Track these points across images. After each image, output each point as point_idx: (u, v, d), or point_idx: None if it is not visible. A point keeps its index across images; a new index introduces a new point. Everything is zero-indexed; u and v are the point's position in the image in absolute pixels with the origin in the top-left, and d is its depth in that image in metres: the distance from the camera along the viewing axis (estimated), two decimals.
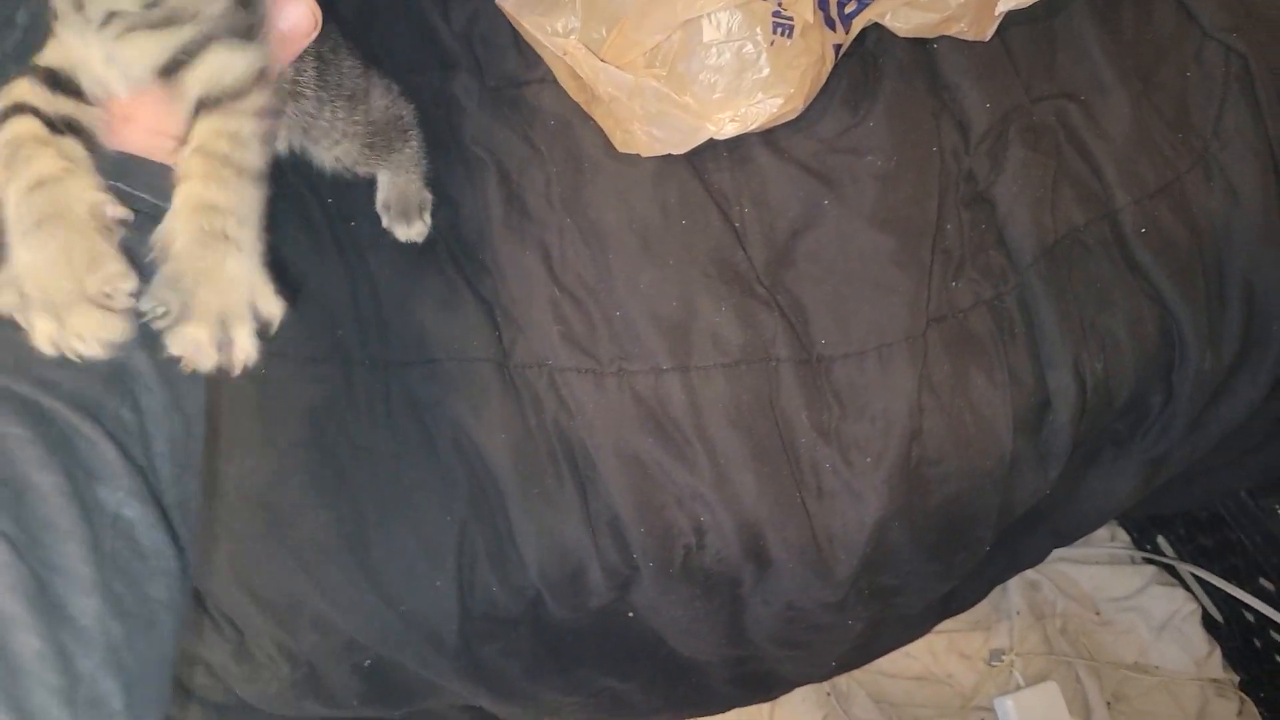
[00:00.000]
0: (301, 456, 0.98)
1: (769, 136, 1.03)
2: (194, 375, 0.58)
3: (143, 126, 0.62)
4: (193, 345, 0.57)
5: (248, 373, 0.58)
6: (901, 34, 1.03)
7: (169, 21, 0.61)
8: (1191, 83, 1.06)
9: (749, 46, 0.92)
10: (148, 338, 0.57)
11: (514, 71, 1.08)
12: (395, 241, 1.02)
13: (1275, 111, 1.03)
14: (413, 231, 1.02)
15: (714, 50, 0.92)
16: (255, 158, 0.62)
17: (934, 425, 0.99)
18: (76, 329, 0.55)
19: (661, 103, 0.94)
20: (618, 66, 0.95)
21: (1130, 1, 1.08)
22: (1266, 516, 1.41)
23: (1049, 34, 1.07)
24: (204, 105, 0.62)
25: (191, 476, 0.59)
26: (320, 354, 1.00)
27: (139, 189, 0.60)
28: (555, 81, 1.06)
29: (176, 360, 0.57)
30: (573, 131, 1.05)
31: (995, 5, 0.99)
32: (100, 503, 0.49)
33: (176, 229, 0.59)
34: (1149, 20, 1.08)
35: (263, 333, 0.60)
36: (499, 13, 1.05)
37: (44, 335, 0.54)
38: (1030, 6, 1.01)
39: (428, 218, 1.02)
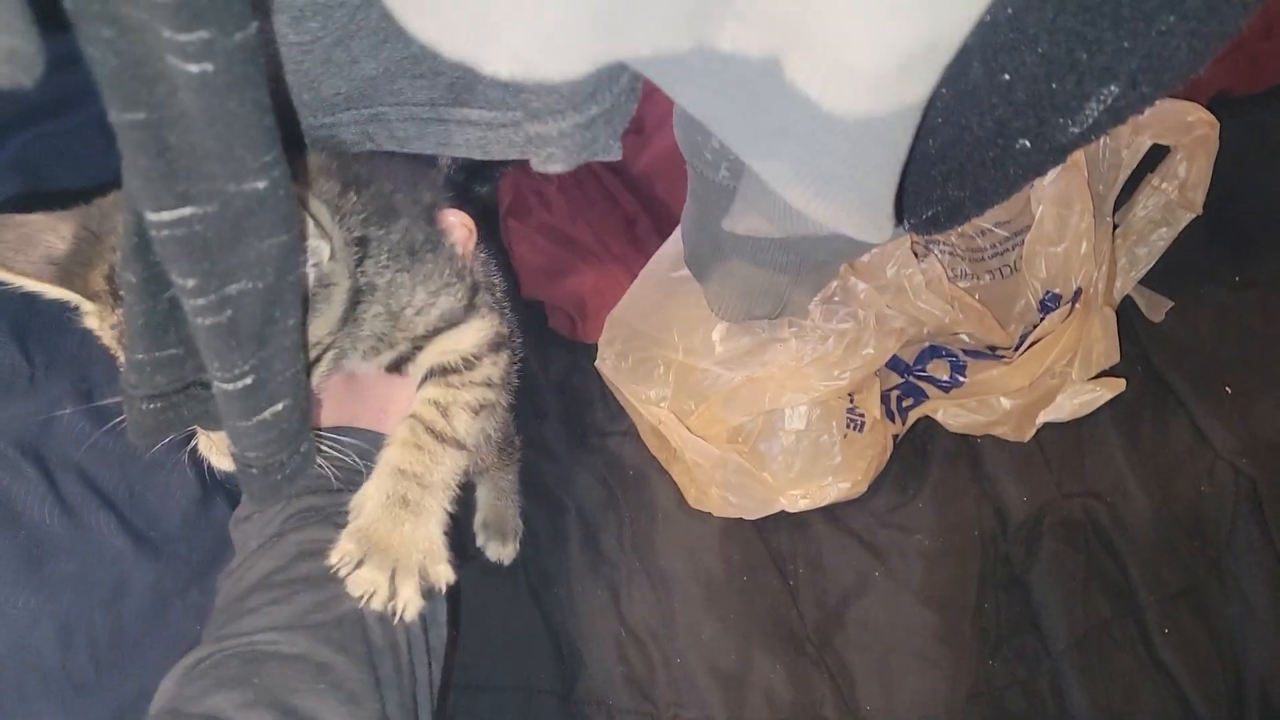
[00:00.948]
0: None
1: (826, 507, 1.14)
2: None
3: (372, 408, 0.71)
4: (367, 586, 0.64)
5: None
6: (950, 429, 1.15)
7: (386, 347, 0.71)
8: (1205, 497, 1.18)
9: (825, 437, 1.04)
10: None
11: (600, 422, 1.20)
12: (480, 567, 1.10)
13: None
14: (504, 553, 1.11)
15: (794, 437, 1.04)
16: (461, 426, 0.70)
17: None
18: None
19: (742, 476, 1.05)
20: (702, 437, 1.06)
21: (1149, 416, 1.22)
22: None
23: (1078, 439, 1.20)
24: (433, 374, 0.71)
25: None
26: None
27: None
28: (637, 435, 1.18)
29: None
30: (649, 483, 1.16)
31: (1036, 415, 1.12)
32: None
33: (370, 492, 0.67)
34: (1166, 436, 1.21)
35: (428, 592, 0.66)
36: (591, 367, 1.18)
37: None
38: None
39: (517, 544, 1.11)
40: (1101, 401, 1.12)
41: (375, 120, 0.76)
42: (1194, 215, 1.21)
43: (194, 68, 0.41)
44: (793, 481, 1.06)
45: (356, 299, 0.67)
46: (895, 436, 1.13)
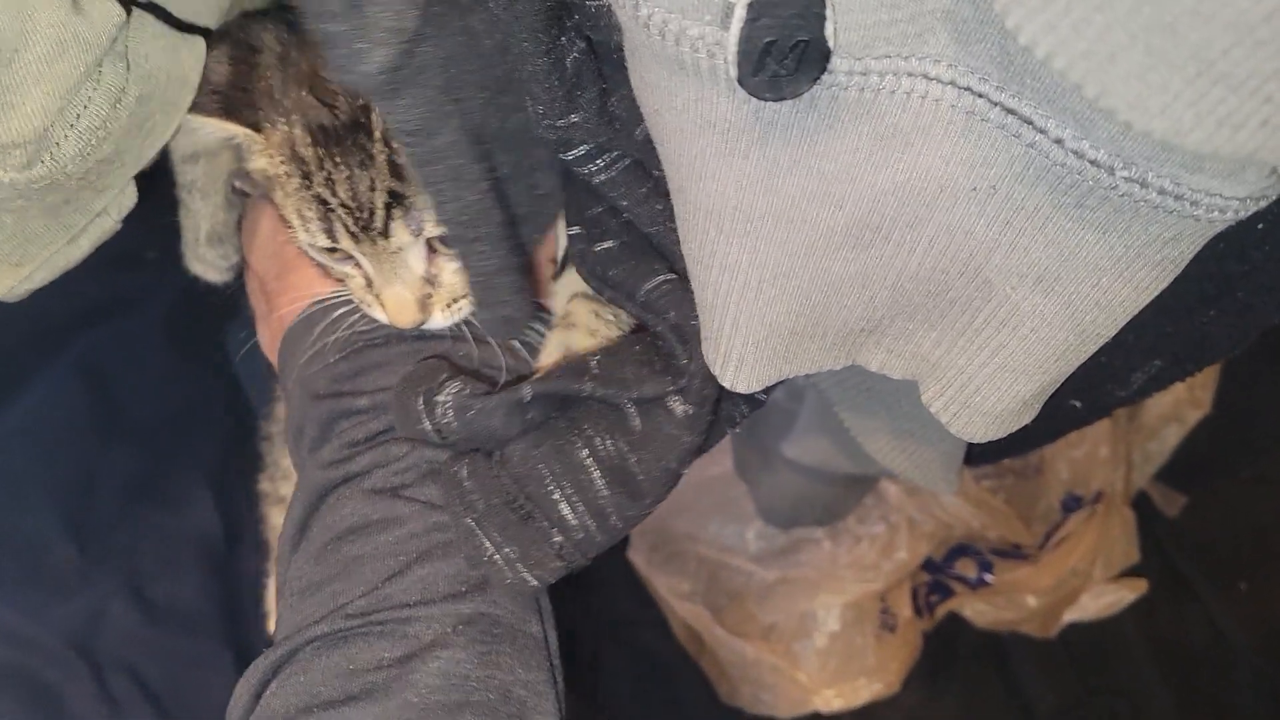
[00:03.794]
0: None
1: None
2: None
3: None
4: None
5: None
6: (979, 626, 1.17)
7: None
8: (1225, 693, 1.19)
9: (859, 639, 1.05)
10: None
11: (629, 611, 1.21)
12: None
13: None
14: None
15: (828, 638, 1.05)
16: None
17: None
18: None
19: (776, 676, 1.06)
20: (735, 634, 1.08)
21: (1168, 612, 1.24)
22: None
23: (1100, 634, 1.22)
24: None
25: None
26: None
27: None
28: (666, 625, 1.19)
29: None
30: (680, 677, 1.17)
31: (1061, 614, 1.15)
32: None
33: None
34: (1184, 632, 1.23)
35: None
36: (621, 556, 1.20)
37: None
38: None
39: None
40: (1125, 604, 1.14)
41: None
42: (1203, 413, 1.25)
43: None
44: (827, 682, 1.07)
45: None
46: (924, 632, 1.14)
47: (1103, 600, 1.14)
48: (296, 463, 0.59)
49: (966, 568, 1.14)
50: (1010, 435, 0.73)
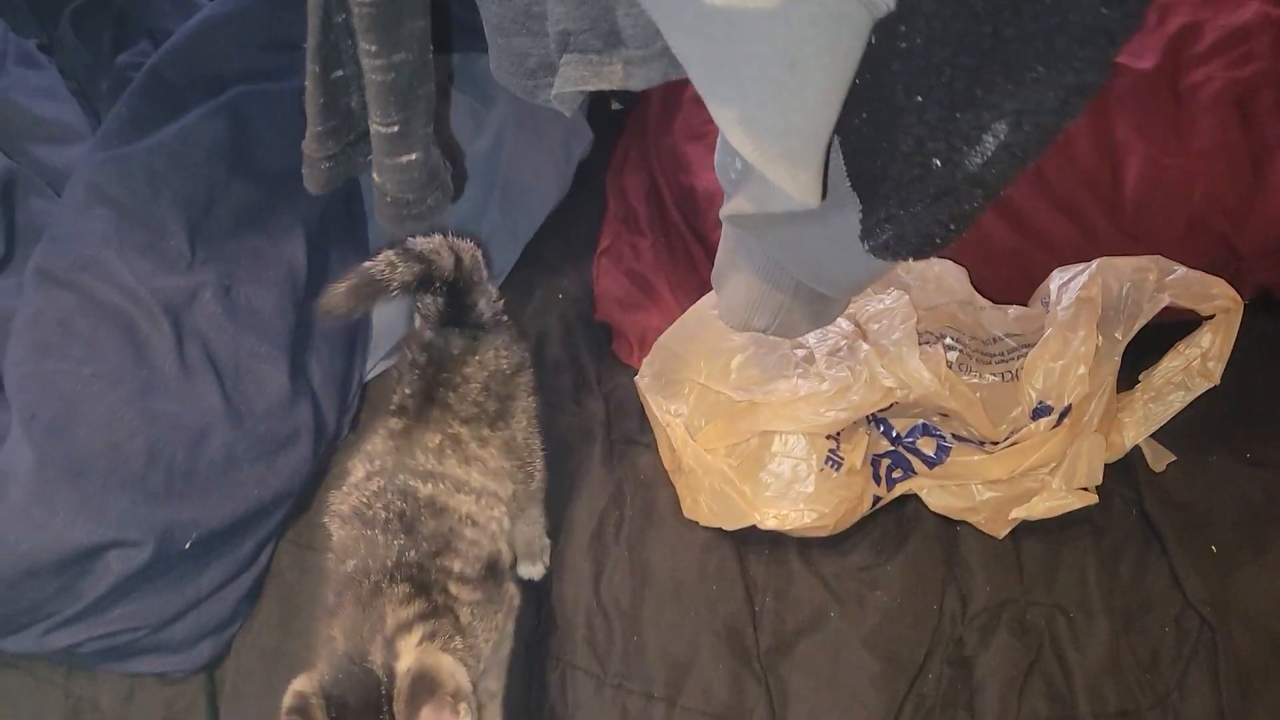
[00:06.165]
0: None
1: (804, 548, 1.26)
2: None
3: None
4: None
5: None
6: (932, 509, 1.27)
7: None
8: (1167, 638, 1.23)
9: (803, 467, 1.17)
10: None
11: (631, 432, 1.37)
12: None
13: (1230, 687, 1.18)
14: (534, 571, 1.24)
15: (777, 459, 1.18)
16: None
17: None
18: None
19: (725, 485, 1.19)
20: (705, 450, 1.22)
21: (1131, 555, 1.29)
22: None
23: (1056, 554, 1.28)
24: None
25: None
26: None
27: None
28: (655, 448, 1.34)
29: None
30: (655, 489, 1.31)
31: (1009, 511, 1.23)
32: None
33: None
34: (1142, 576, 1.28)
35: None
36: (634, 385, 1.36)
37: None
38: (1046, 525, 1.25)
39: (546, 560, 1.25)
40: (1070, 507, 1.21)
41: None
42: (1210, 385, 1.30)
43: None
44: (767, 501, 1.19)
45: None
46: (877, 498, 1.25)
47: (1049, 503, 1.21)
48: None
49: (926, 445, 1.24)
50: (900, 207, 0.85)
